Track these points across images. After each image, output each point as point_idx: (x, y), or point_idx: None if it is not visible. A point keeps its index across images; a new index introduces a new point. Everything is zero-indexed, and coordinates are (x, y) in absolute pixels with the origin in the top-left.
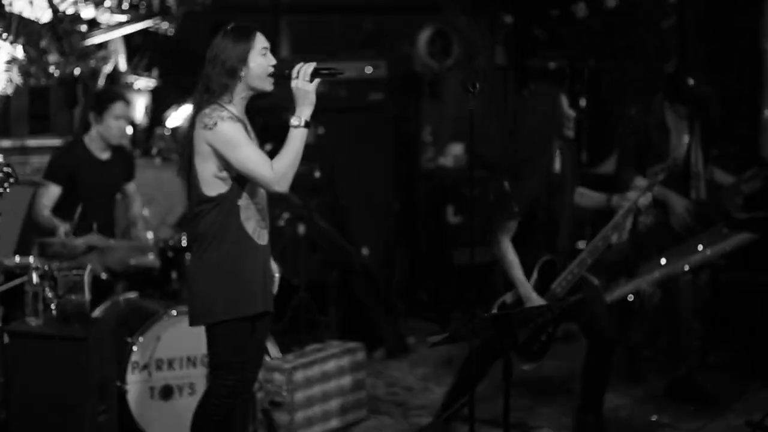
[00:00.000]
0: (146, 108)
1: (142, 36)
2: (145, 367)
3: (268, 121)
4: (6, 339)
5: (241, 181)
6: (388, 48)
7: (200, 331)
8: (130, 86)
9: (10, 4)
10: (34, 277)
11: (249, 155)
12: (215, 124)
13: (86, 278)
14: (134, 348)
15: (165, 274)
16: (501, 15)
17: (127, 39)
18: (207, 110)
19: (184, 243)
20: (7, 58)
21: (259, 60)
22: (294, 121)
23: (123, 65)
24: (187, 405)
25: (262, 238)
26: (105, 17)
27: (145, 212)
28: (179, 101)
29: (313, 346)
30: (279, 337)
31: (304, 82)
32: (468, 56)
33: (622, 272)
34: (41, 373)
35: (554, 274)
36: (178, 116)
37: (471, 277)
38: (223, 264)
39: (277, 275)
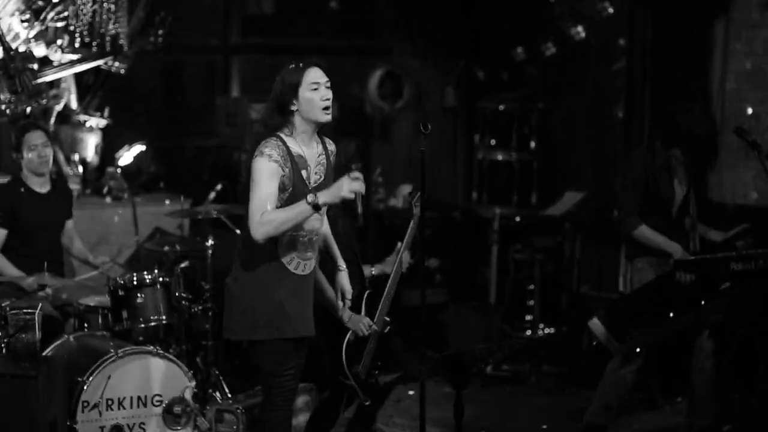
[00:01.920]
0: (97, 147)
1: (93, 75)
2: (95, 406)
3: (218, 160)
4: None
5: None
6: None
7: (150, 371)
8: (81, 125)
9: None
10: None
11: (258, 194)
12: (256, 156)
13: (37, 317)
14: (84, 387)
15: (116, 313)
16: (453, 58)
17: (79, 78)
18: (263, 141)
19: (134, 282)
20: None
21: (308, 95)
22: (310, 197)
23: (74, 104)
24: None
25: (301, 268)
26: (57, 56)
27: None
28: (130, 140)
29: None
30: (229, 378)
31: (349, 183)
32: (418, 98)
33: None
34: None
35: None
36: (129, 155)
37: (420, 317)
38: (255, 285)
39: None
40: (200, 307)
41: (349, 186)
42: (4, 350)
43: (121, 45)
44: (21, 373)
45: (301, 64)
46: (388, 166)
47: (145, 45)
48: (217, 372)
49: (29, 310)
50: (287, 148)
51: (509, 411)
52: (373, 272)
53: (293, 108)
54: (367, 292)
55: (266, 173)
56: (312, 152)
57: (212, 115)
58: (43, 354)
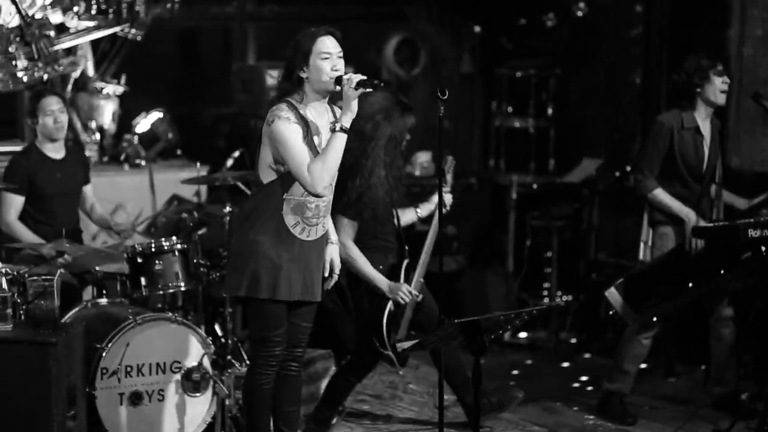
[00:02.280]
0: (114, 114)
1: (110, 42)
2: (114, 373)
3: (234, 128)
4: None
5: (290, 177)
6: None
7: (169, 338)
8: (98, 92)
9: None
10: (3, 283)
11: (293, 155)
12: (272, 121)
13: (56, 284)
14: (103, 354)
15: (134, 280)
16: (469, 24)
17: (96, 44)
18: (274, 107)
19: (152, 249)
20: None
21: (318, 63)
22: (332, 125)
23: (91, 71)
24: (155, 411)
25: (306, 233)
26: (73, 23)
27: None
28: (147, 107)
29: None
30: (247, 345)
31: (349, 89)
32: (435, 65)
33: None
34: (10, 379)
35: None
36: (146, 122)
37: (438, 284)
38: (258, 246)
39: (336, 274)
40: (218, 274)
41: (349, 86)
42: (23, 317)
43: (137, 12)
44: (40, 340)
45: (314, 32)
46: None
47: (162, 12)
48: (235, 339)
49: (48, 277)
50: (299, 112)
51: (527, 378)
52: (419, 213)
53: (303, 75)
54: (405, 262)
55: (292, 133)
56: (323, 120)
57: (229, 82)
58: (62, 321)
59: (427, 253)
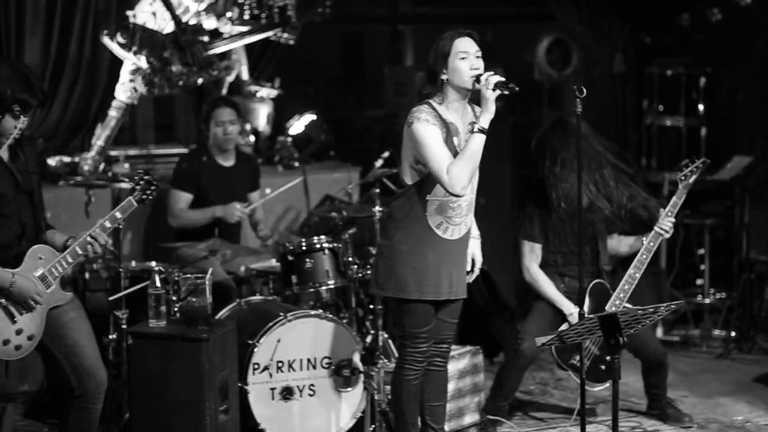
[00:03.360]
0: (268, 117)
1: (264, 46)
2: (266, 368)
3: (386, 129)
4: (130, 340)
5: (433, 178)
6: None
7: (319, 334)
8: (252, 95)
9: (134, 16)
10: (158, 281)
11: (432, 156)
12: (412, 123)
13: (208, 282)
14: (255, 350)
15: (286, 278)
16: (619, 23)
17: (250, 49)
18: (414, 108)
19: (303, 248)
20: (132, 68)
21: (457, 63)
22: (471, 126)
23: (245, 75)
24: (306, 405)
25: (450, 233)
26: (227, 28)
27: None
28: (301, 110)
29: None
30: (397, 341)
31: (487, 89)
32: (586, 65)
33: None
34: (164, 374)
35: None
36: (299, 124)
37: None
38: (403, 247)
39: (477, 268)
40: (368, 272)
41: (487, 86)
42: (176, 314)
43: (289, 16)
44: (192, 336)
45: (452, 33)
46: None
47: (313, 16)
48: (385, 335)
49: (200, 275)
50: (438, 114)
51: (681, 375)
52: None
53: (443, 77)
54: (591, 284)
55: (431, 135)
56: (463, 121)
57: (383, 84)
58: (215, 317)
59: (630, 278)
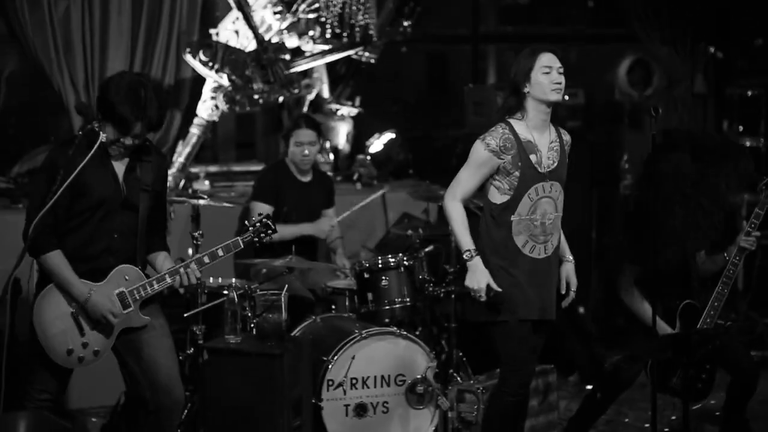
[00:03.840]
0: (348, 135)
1: (345, 65)
2: (340, 384)
3: (465, 148)
4: (206, 356)
5: (516, 197)
6: (589, 78)
7: (393, 351)
8: (333, 113)
9: (217, 34)
10: (234, 297)
11: (463, 174)
12: (478, 139)
13: (283, 298)
14: (330, 366)
15: (361, 295)
16: (702, 44)
17: (331, 67)
18: (492, 128)
19: (379, 265)
20: (214, 85)
21: (540, 78)
22: (466, 255)
23: (326, 93)
24: (380, 422)
25: (537, 252)
26: (308, 46)
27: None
28: (381, 128)
29: None
30: (472, 360)
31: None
32: (668, 85)
33: None
34: (238, 389)
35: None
36: (379, 143)
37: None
38: (492, 269)
39: (572, 292)
40: (443, 290)
41: None
42: (252, 330)
43: (370, 35)
44: (267, 352)
45: (535, 49)
46: (638, 153)
47: (395, 35)
48: (460, 353)
49: (276, 292)
50: (515, 133)
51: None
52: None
53: (525, 90)
54: (683, 304)
55: (478, 160)
56: (544, 139)
57: (463, 103)
58: (291, 334)
59: (719, 295)
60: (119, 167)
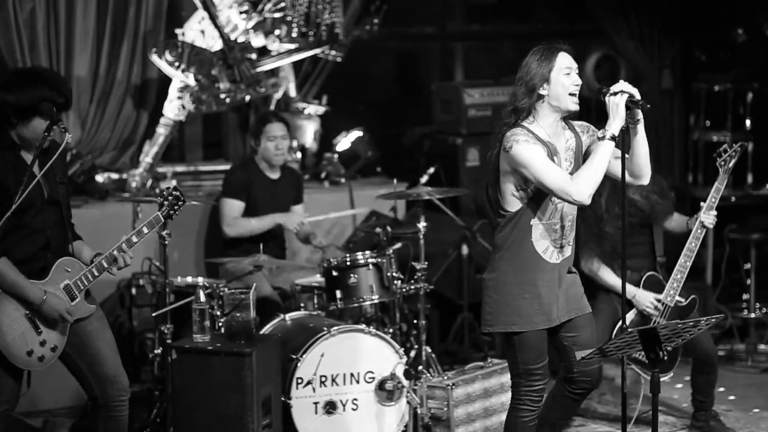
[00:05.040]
0: (316, 133)
1: (312, 63)
2: (309, 382)
3: (433, 146)
4: (174, 355)
5: (536, 201)
6: None
7: (362, 348)
8: (300, 112)
9: (183, 34)
10: (202, 296)
11: (546, 172)
12: (511, 147)
13: (251, 297)
14: (299, 364)
15: (330, 292)
16: (668, 39)
17: (297, 66)
18: (508, 133)
19: (348, 263)
20: (180, 85)
21: (562, 79)
22: (600, 133)
23: (293, 92)
24: (349, 420)
25: (556, 256)
26: (275, 45)
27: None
28: (348, 126)
29: (475, 364)
30: (441, 357)
31: (619, 98)
32: (635, 80)
33: None
34: (207, 388)
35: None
36: (346, 141)
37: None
38: (511, 278)
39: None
40: (412, 287)
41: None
42: (221, 329)
43: (336, 34)
44: (236, 351)
45: (551, 48)
46: None
47: (361, 34)
48: (429, 350)
49: (244, 290)
50: (536, 136)
51: (726, 389)
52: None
53: (543, 92)
54: (647, 274)
55: (536, 153)
56: (559, 141)
57: (430, 102)
58: (260, 332)
59: (681, 267)
60: (35, 166)
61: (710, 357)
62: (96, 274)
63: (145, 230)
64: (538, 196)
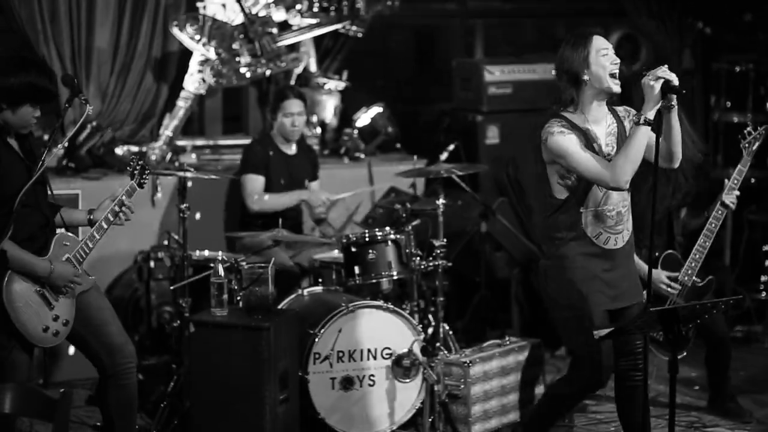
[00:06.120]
0: (336, 109)
1: (332, 38)
2: (327, 358)
3: (453, 123)
4: (192, 329)
5: (584, 188)
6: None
7: (380, 325)
8: (320, 87)
9: (204, 8)
10: (220, 270)
11: (582, 161)
12: (546, 139)
13: (270, 271)
14: (316, 339)
15: (348, 268)
16: (690, 19)
17: (318, 41)
18: (546, 125)
19: (366, 239)
20: (200, 59)
21: (600, 60)
22: (636, 118)
23: (314, 67)
24: (366, 395)
25: (612, 242)
26: (296, 20)
27: (332, 212)
28: (368, 102)
29: (492, 342)
30: (459, 334)
31: (655, 81)
32: (656, 60)
33: None
34: (225, 362)
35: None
36: (366, 117)
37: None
38: (568, 263)
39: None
40: (431, 264)
41: (654, 79)
42: (239, 303)
43: (358, 9)
44: (254, 325)
45: (585, 32)
46: None
47: (382, 9)
48: (446, 327)
49: (263, 265)
50: (573, 124)
51: (742, 370)
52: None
53: (585, 78)
54: (665, 254)
55: (571, 143)
56: (601, 127)
57: (450, 78)
58: (278, 307)
59: (700, 247)
60: (15, 146)
61: (722, 338)
62: (96, 238)
63: (125, 198)
64: (584, 183)
